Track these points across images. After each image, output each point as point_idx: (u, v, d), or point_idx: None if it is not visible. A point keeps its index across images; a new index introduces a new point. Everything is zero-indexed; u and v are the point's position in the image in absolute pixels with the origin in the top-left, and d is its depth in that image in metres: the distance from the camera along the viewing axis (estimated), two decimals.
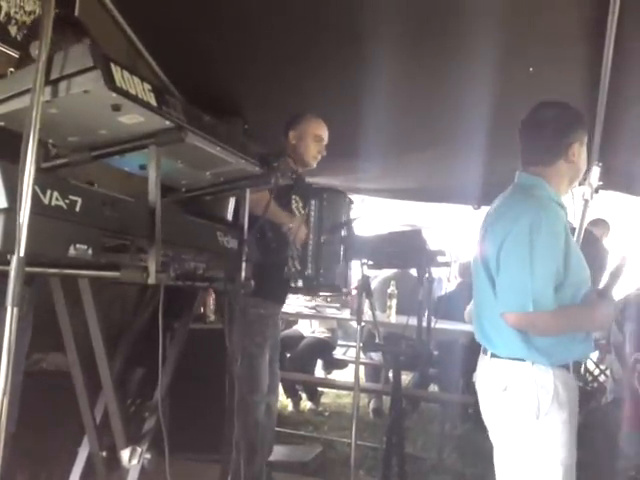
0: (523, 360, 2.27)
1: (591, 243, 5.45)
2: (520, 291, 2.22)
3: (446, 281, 8.38)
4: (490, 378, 2.41)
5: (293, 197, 3.42)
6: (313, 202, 3.38)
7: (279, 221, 3.23)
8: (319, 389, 7.06)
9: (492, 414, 2.43)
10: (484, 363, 2.47)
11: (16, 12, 3.36)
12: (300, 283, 3.44)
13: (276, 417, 3.87)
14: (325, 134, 3.63)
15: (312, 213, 3.38)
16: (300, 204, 3.44)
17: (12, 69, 3.15)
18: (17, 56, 3.31)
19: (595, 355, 6.61)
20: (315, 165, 3.63)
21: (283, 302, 3.75)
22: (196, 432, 3.92)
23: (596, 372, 6.68)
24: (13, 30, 3.35)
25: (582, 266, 2.39)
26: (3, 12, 3.29)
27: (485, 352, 2.45)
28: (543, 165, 2.44)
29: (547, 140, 2.45)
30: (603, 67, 3.52)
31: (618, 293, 5.28)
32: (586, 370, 5.90)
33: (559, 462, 2.22)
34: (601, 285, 2.59)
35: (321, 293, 5.98)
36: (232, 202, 2.96)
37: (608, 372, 5.42)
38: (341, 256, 3.47)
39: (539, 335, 2.28)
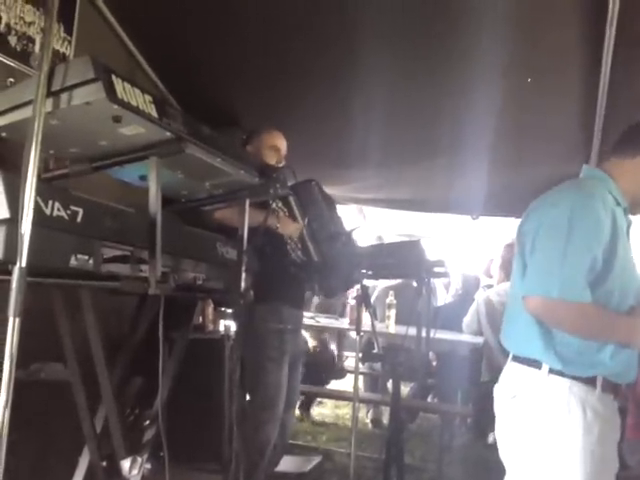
0: (540, 364, 2.09)
1: None
2: (546, 274, 2.05)
3: (444, 291, 8.38)
4: (503, 383, 2.27)
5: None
6: (292, 199, 3.40)
7: (269, 224, 3.20)
8: (318, 399, 7.06)
9: (500, 421, 2.29)
10: (505, 368, 2.31)
11: (16, 23, 3.36)
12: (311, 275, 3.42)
13: (289, 434, 3.79)
14: (282, 144, 3.60)
15: (295, 209, 3.40)
16: (279, 204, 3.43)
17: (12, 79, 3.17)
18: (17, 67, 3.32)
19: None
20: None
21: (299, 305, 3.65)
22: (195, 442, 3.91)
23: None
24: (13, 40, 3.36)
25: (633, 273, 2.18)
26: (3, 23, 3.29)
27: (508, 355, 2.29)
28: (618, 156, 2.27)
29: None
30: (602, 78, 3.53)
31: None
32: None
33: None
34: None
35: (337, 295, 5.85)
36: None
37: None
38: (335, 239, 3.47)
39: (558, 328, 2.08)
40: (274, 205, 3.38)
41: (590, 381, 2.07)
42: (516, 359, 2.22)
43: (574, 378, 2.06)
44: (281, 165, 3.57)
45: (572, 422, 2.03)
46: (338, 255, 3.36)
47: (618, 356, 2.09)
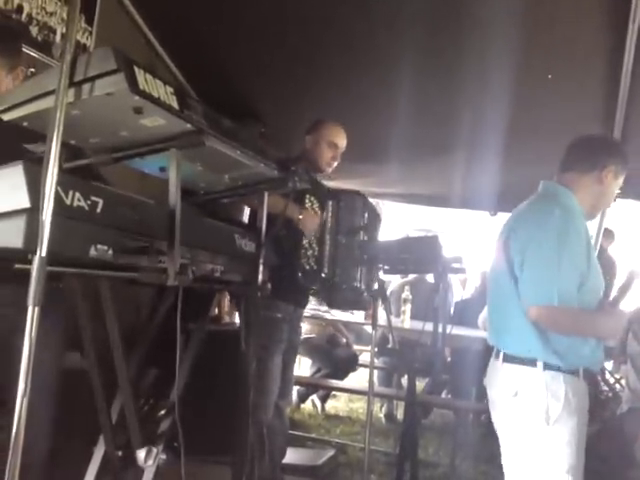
0: (535, 361, 2.33)
1: (600, 255, 5.45)
2: (546, 285, 2.30)
3: (460, 288, 8.34)
4: (501, 383, 2.47)
5: (307, 197, 3.39)
6: (330, 203, 3.37)
7: (290, 214, 3.10)
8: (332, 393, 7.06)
9: (502, 419, 2.49)
10: (495, 368, 2.52)
11: (37, 13, 3.38)
12: (316, 285, 3.39)
13: (288, 421, 3.85)
14: (341, 141, 3.58)
15: (329, 214, 3.37)
16: (316, 205, 3.41)
17: (33, 69, 3.19)
18: (38, 57, 3.34)
19: (609, 364, 6.56)
20: (329, 171, 3.61)
21: (300, 304, 3.66)
22: (210, 433, 3.91)
23: (611, 381, 6.63)
24: (34, 31, 3.37)
25: (599, 276, 2.47)
26: (25, 13, 3.31)
27: (497, 356, 2.50)
28: (576, 172, 2.53)
29: (592, 149, 2.57)
30: (623, 75, 3.50)
31: (628, 305, 5.27)
32: (602, 379, 5.85)
33: (566, 470, 2.26)
34: (611, 297, 2.66)
35: (341, 310, 5.83)
36: None
37: (623, 382, 5.38)
38: (359, 259, 3.44)
39: (557, 331, 2.34)
40: (308, 205, 3.36)
41: (575, 372, 2.36)
42: (510, 360, 2.43)
43: (565, 371, 2.33)
44: (335, 162, 3.61)
45: (569, 409, 2.29)
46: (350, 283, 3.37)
47: (597, 350, 2.42)
